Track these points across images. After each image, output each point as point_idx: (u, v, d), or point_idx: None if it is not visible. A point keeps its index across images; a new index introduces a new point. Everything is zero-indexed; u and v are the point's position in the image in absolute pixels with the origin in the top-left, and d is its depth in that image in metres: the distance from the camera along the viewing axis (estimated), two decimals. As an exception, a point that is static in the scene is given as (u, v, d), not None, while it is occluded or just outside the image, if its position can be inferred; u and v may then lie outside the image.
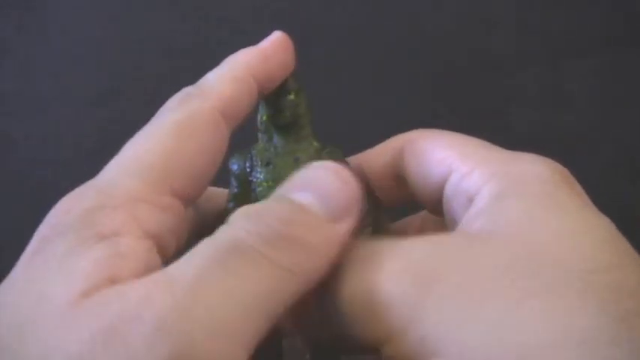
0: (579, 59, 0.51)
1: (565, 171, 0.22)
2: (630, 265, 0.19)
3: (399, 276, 0.19)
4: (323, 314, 0.20)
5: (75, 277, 0.18)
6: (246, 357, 0.17)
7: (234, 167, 0.26)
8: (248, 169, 0.25)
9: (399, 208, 0.28)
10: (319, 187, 0.20)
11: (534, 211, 0.20)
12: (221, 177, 0.27)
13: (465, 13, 0.51)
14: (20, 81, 0.52)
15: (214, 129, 0.22)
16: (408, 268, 0.19)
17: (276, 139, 0.26)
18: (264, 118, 0.26)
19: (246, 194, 0.26)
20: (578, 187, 0.22)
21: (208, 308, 0.17)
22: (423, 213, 0.28)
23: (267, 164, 0.25)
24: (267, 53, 0.24)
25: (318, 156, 0.26)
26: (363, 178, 0.27)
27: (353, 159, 0.27)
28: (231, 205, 0.26)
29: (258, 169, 0.25)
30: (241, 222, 0.19)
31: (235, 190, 0.26)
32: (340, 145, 0.27)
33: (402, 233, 0.28)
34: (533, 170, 0.21)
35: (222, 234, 0.19)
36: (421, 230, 0.28)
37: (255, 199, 0.25)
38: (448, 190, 0.23)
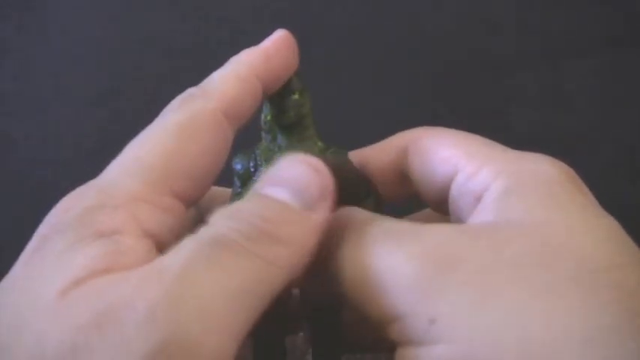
0: (579, 59, 0.51)
1: (571, 171, 0.22)
2: (638, 264, 0.19)
3: (415, 258, 0.19)
4: (334, 287, 0.21)
5: (70, 269, 0.18)
6: (234, 347, 0.18)
7: (238, 167, 0.26)
8: (252, 169, 0.25)
9: (402, 207, 0.28)
10: (292, 180, 0.21)
11: (545, 206, 0.20)
12: (224, 177, 0.27)
13: (465, 13, 0.51)
14: (20, 81, 0.52)
15: (217, 130, 0.22)
16: (425, 251, 0.19)
17: (280, 139, 0.26)
18: (268, 117, 0.26)
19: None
20: (584, 187, 0.22)
21: (196, 297, 0.17)
22: (427, 211, 0.28)
23: (272, 164, 0.25)
24: (271, 53, 0.24)
25: (322, 156, 0.26)
26: (366, 175, 0.27)
27: (356, 153, 0.27)
28: (233, 204, 0.26)
29: (262, 169, 0.25)
30: (222, 220, 0.19)
31: (239, 189, 0.26)
32: (342, 145, 0.27)
33: None
34: (540, 169, 0.21)
35: (205, 231, 0.19)
36: None
37: None
38: (454, 189, 0.23)
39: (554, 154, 0.23)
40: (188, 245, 0.19)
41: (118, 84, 0.51)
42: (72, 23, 0.53)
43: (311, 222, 0.20)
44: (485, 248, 0.19)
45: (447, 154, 0.24)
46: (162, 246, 0.20)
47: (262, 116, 0.26)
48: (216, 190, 0.26)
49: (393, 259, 0.19)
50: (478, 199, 0.22)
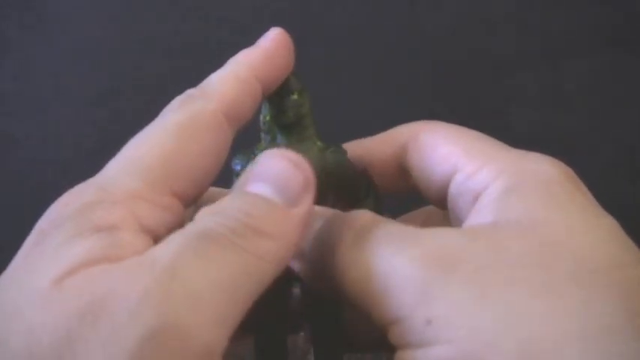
0: (579, 59, 0.51)
1: (570, 171, 0.22)
2: (637, 264, 0.19)
3: (415, 261, 0.19)
4: (338, 289, 0.21)
5: (66, 259, 0.18)
6: (224, 337, 0.18)
7: (238, 167, 0.26)
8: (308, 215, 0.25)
9: (402, 204, 0.28)
10: (273, 176, 0.21)
11: (545, 206, 0.20)
12: (224, 177, 0.27)
13: (465, 13, 0.52)
14: (20, 81, 0.52)
15: (217, 131, 0.23)
16: (424, 254, 0.19)
17: (280, 139, 0.26)
18: (268, 118, 0.26)
19: None
20: (584, 187, 0.22)
21: (186, 287, 0.18)
22: (426, 208, 0.28)
23: None
24: (269, 53, 0.24)
25: (322, 155, 0.26)
26: (364, 171, 0.27)
27: (354, 144, 0.27)
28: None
29: None
30: (208, 216, 0.20)
31: None
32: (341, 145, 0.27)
33: None
34: (540, 169, 0.21)
35: (192, 226, 0.19)
36: (424, 226, 0.28)
37: None
38: (453, 188, 0.23)
39: (554, 154, 0.23)
40: (177, 239, 0.19)
41: (118, 84, 0.51)
42: (72, 23, 0.53)
43: (294, 216, 0.20)
44: (484, 249, 0.19)
45: (446, 152, 0.24)
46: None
47: (261, 116, 0.26)
48: (216, 190, 0.26)
49: (394, 263, 0.20)
50: (477, 198, 0.22)
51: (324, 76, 0.49)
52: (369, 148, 0.27)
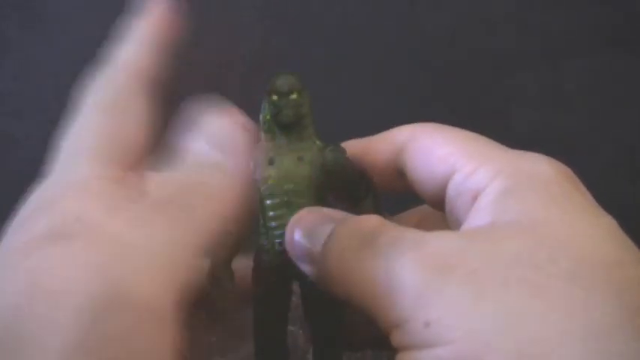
0: (579, 59, 0.51)
1: (569, 170, 0.22)
2: (637, 262, 0.19)
3: (414, 265, 0.19)
4: (342, 292, 0.22)
5: (29, 232, 0.20)
6: (171, 299, 0.19)
7: None
8: (252, 168, 0.25)
9: (399, 204, 0.28)
10: (211, 135, 0.23)
11: (543, 206, 0.20)
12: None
13: (465, 13, 0.52)
14: (20, 81, 0.52)
15: (139, 98, 0.24)
16: (424, 258, 0.19)
17: (279, 139, 0.26)
18: (267, 117, 0.26)
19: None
20: (583, 187, 0.22)
21: (129, 254, 0.19)
22: (423, 207, 0.28)
23: (271, 163, 0.25)
24: (159, 16, 0.26)
25: (321, 154, 0.26)
26: (361, 168, 0.27)
27: (352, 144, 0.27)
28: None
29: (262, 168, 0.25)
30: (149, 183, 0.21)
31: None
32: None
33: None
34: (539, 169, 0.21)
35: (134, 193, 0.21)
36: (418, 226, 0.28)
37: (260, 198, 0.25)
38: (451, 189, 0.23)
39: (554, 154, 0.23)
40: (119, 206, 0.20)
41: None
42: (72, 23, 0.53)
43: (232, 174, 0.22)
44: (482, 250, 0.19)
45: (444, 153, 0.24)
46: None
47: (261, 116, 0.26)
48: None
49: (394, 267, 0.20)
50: (476, 198, 0.22)
51: (324, 76, 0.49)
52: (366, 149, 0.27)
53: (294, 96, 0.26)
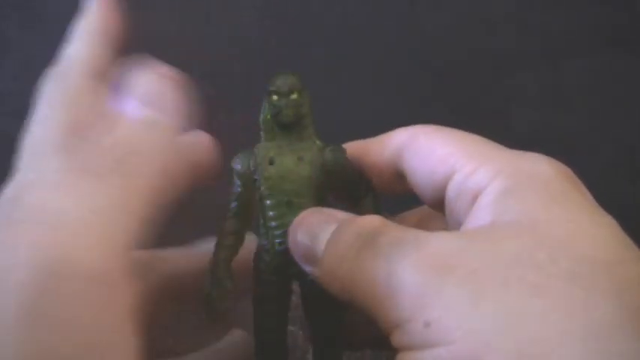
0: (579, 59, 0.51)
1: (568, 170, 0.22)
2: (636, 261, 0.19)
3: (414, 266, 0.19)
4: (344, 292, 0.22)
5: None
6: (115, 262, 0.20)
7: (238, 167, 0.26)
8: (252, 168, 0.26)
9: (399, 204, 0.28)
10: (142, 93, 0.23)
11: (543, 206, 0.20)
12: (224, 176, 0.27)
13: (465, 13, 0.52)
14: (20, 81, 0.52)
15: (92, 90, 0.25)
16: (423, 258, 0.19)
17: (279, 139, 0.26)
18: (268, 117, 0.26)
19: (248, 193, 0.26)
20: (583, 187, 0.22)
21: (68, 222, 0.20)
22: (423, 208, 0.28)
23: (271, 163, 0.25)
24: (104, 12, 0.28)
25: (322, 154, 0.26)
26: (360, 170, 0.27)
27: (352, 146, 0.27)
28: (234, 205, 0.26)
29: (263, 168, 0.25)
30: (80, 148, 0.22)
31: (239, 189, 0.26)
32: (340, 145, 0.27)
33: None
34: (539, 169, 0.21)
35: (70, 162, 0.22)
36: (418, 226, 0.28)
37: (260, 198, 0.26)
38: (451, 189, 0.23)
39: (554, 154, 0.23)
40: (54, 178, 0.21)
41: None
42: (72, 23, 0.53)
43: (166, 128, 0.22)
44: (482, 250, 0.19)
45: (443, 154, 0.24)
46: None
47: (261, 116, 0.26)
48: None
49: (394, 267, 0.20)
50: (476, 198, 0.22)
51: (324, 76, 0.49)
52: (365, 151, 0.27)
53: (294, 96, 0.26)
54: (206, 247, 0.28)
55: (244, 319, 0.28)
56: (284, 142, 0.26)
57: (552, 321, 0.17)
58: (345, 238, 0.22)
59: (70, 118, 0.23)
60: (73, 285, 0.19)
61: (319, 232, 0.23)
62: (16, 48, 0.52)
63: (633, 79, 0.50)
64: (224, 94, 0.50)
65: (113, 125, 0.23)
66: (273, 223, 0.25)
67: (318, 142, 0.26)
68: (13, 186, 0.23)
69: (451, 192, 0.23)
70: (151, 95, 0.23)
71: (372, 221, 0.22)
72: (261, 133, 0.26)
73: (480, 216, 0.21)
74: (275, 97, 0.26)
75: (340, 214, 0.24)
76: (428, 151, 0.24)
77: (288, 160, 0.26)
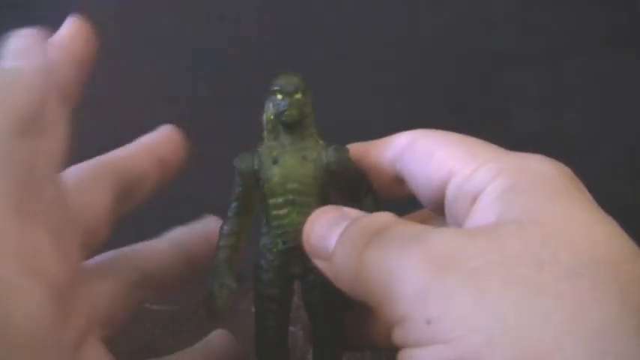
0: (579, 59, 0.51)
1: (569, 170, 0.22)
2: (636, 261, 0.19)
3: (417, 263, 0.19)
4: (349, 288, 0.22)
5: None
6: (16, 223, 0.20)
7: (241, 166, 0.26)
8: (256, 167, 0.26)
9: (399, 206, 0.28)
10: (7, 51, 0.24)
11: (545, 205, 0.20)
12: (225, 176, 0.27)
13: (465, 13, 0.51)
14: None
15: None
16: (426, 255, 0.20)
17: (282, 138, 0.26)
18: (271, 117, 0.26)
19: (250, 193, 0.26)
20: (583, 187, 0.22)
21: None
22: (422, 212, 0.28)
23: (275, 162, 0.25)
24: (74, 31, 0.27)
25: (325, 153, 0.26)
26: (362, 172, 0.27)
27: (352, 148, 0.27)
28: (235, 204, 0.26)
29: (266, 167, 0.25)
30: None
31: (241, 188, 0.26)
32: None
33: None
34: (539, 169, 0.22)
35: None
36: None
37: (263, 197, 0.26)
38: (450, 192, 0.23)
39: (554, 154, 0.23)
40: None
41: (117, 84, 0.51)
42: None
43: (27, 73, 0.23)
44: (483, 248, 0.19)
45: (443, 157, 0.24)
46: None
47: (264, 115, 0.26)
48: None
49: (397, 264, 0.20)
50: (475, 199, 0.22)
51: (324, 76, 0.49)
52: (365, 154, 0.27)
53: (298, 95, 0.26)
54: (176, 236, 0.29)
55: (245, 319, 0.28)
56: (287, 142, 0.26)
57: (554, 320, 0.17)
58: (354, 233, 0.22)
59: None
60: None
61: (333, 227, 0.23)
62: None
63: (633, 79, 0.50)
64: (224, 94, 0.50)
65: None
66: (276, 223, 0.25)
67: (321, 141, 0.26)
68: None
69: (450, 194, 0.23)
70: (14, 50, 0.24)
71: (381, 217, 0.22)
72: (264, 132, 0.26)
73: (482, 215, 0.21)
74: (279, 97, 0.26)
75: (354, 212, 0.24)
76: (427, 154, 0.24)
77: (291, 160, 0.26)
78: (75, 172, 0.26)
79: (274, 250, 0.26)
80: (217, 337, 0.29)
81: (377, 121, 0.49)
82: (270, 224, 0.26)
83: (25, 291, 0.19)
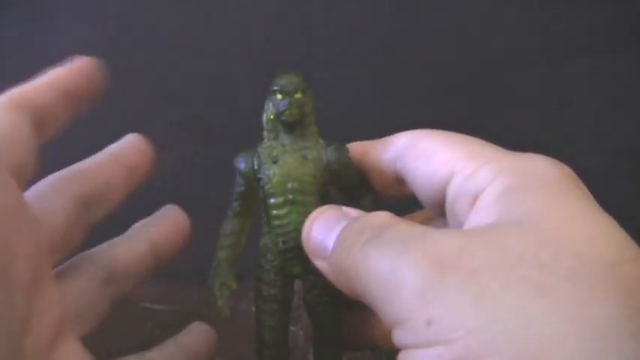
0: (579, 59, 0.51)
1: (569, 170, 0.22)
2: (636, 261, 0.19)
3: (417, 263, 0.19)
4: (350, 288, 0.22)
5: None
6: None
7: (242, 166, 0.26)
8: (256, 167, 0.26)
9: (399, 206, 0.28)
10: None
11: (545, 205, 0.20)
12: (225, 176, 0.27)
13: (466, 13, 0.51)
14: (20, 81, 0.52)
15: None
16: (426, 256, 0.19)
17: (283, 138, 0.26)
18: (271, 117, 0.26)
19: (251, 192, 0.26)
20: (583, 186, 0.22)
21: None
22: (423, 212, 0.28)
23: (275, 161, 0.25)
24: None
25: (325, 153, 0.26)
26: (361, 171, 0.27)
27: (352, 147, 0.27)
28: (235, 204, 0.26)
29: (266, 166, 0.25)
30: None
31: (242, 188, 0.26)
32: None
33: None
34: (539, 169, 0.22)
35: None
36: None
37: (264, 197, 0.26)
38: (451, 192, 0.23)
39: (554, 154, 0.23)
40: None
41: (117, 84, 0.51)
42: (72, 24, 0.53)
43: None
44: (483, 249, 0.19)
45: (443, 157, 0.24)
46: None
47: (265, 115, 0.26)
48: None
49: (396, 264, 0.20)
50: (475, 200, 0.22)
51: (325, 76, 0.49)
52: (365, 154, 0.27)
53: (298, 95, 0.26)
54: (140, 229, 0.29)
55: (245, 319, 0.28)
56: (287, 141, 0.26)
57: (555, 321, 0.17)
58: (352, 232, 0.22)
59: None
60: None
61: (332, 227, 0.23)
62: (17, 49, 0.52)
63: (633, 79, 0.50)
64: (224, 94, 0.50)
65: None
66: (277, 222, 0.25)
67: (321, 140, 0.26)
68: None
69: (451, 194, 0.23)
70: None
71: (380, 217, 0.22)
72: (264, 132, 0.27)
73: (483, 215, 0.21)
74: (279, 97, 0.26)
75: (354, 212, 0.24)
76: (427, 154, 0.24)
77: (292, 159, 0.26)
78: (37, 184, 0.27)
79: (275, 249, 0.26)
80: (196, 327, 0.29)
81: (377, 120, 0.49)
82: (271, 224, 0.26)
83: None
